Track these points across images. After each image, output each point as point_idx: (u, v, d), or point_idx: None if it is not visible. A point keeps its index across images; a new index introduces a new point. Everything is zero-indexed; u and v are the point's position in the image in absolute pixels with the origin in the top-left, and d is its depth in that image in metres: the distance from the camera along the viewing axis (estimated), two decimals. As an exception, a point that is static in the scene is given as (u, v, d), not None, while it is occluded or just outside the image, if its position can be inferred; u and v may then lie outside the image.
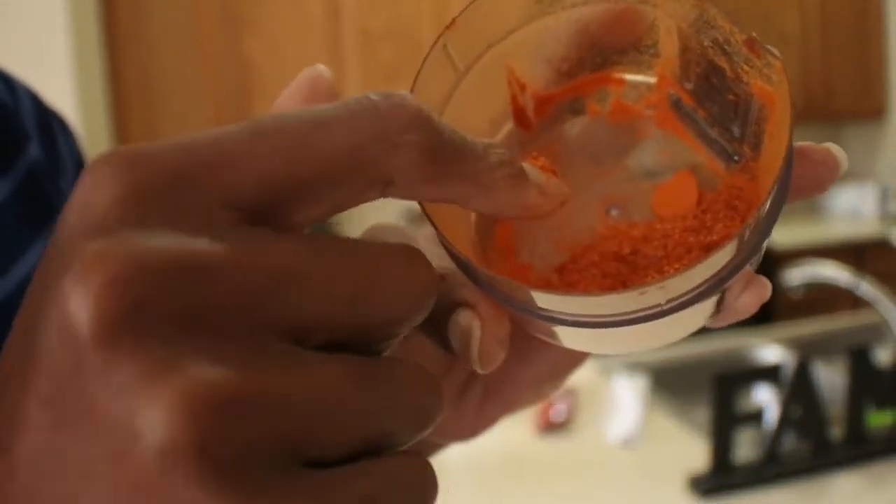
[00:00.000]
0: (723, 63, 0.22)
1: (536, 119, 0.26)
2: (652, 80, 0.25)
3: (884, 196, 3.33)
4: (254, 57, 2.79)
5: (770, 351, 1.66)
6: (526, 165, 0.21)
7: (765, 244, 0.21)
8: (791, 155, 0.20)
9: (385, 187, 0.18)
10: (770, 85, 0.21)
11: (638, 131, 0.25)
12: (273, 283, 0.16)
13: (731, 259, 0.20)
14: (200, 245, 0.15)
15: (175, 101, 2.77)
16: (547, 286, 0.22)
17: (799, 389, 1.09)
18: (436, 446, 0.36)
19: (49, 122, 0.41)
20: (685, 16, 0.22)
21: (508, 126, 0.26)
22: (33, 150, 0.38)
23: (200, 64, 2.77)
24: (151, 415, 0.14)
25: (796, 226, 3.34)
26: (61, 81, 2.33)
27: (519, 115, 0.26)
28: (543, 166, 0.22)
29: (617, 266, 0.24)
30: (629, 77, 0.25)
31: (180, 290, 0.15)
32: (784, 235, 3.05)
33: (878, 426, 1.15)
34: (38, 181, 0.38)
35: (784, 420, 1.09)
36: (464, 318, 0.22)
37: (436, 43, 0.24)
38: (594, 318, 0.20)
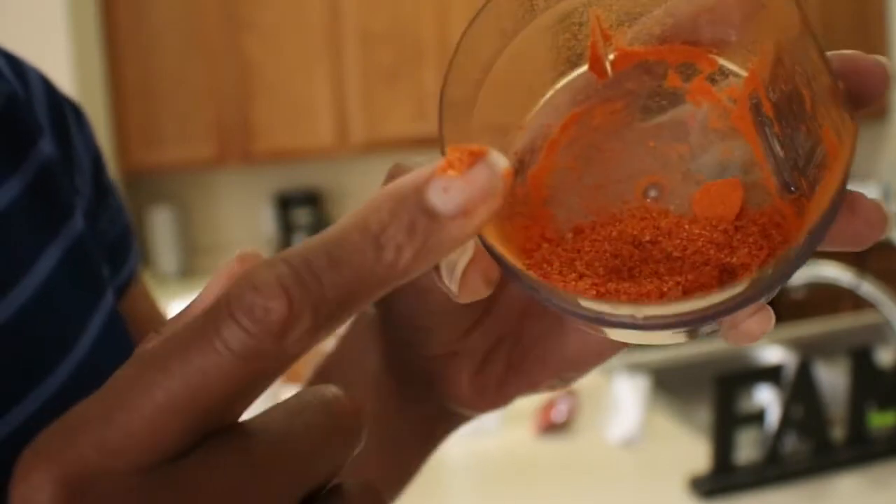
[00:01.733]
0: (806, 92, 0.21)
1: (613, 71, 0.24)
2: (743, 73, 0.23)
3: (885, 196, 3.33)
4: (254, 57, 2.79)
5: (771, 351, 1.65)
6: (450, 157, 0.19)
7: (780, 286, 0.20)
8: (830, 217, 0.19)
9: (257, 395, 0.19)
10: (838, 140, 0.19)
11: (710, 119, 0.24)
12: None
13: (742, 293, 0.19)
14: None
15: (175, 101, 2.77)
16: (569, 289, 0.22)
17: (800, 390, 1.08)
18: (459, 417, 0.35)
19: (62, 112, 0.39)
20: (788, 29, 0.21)
21: (582, 69, 0.24)
22: (46, 146, 0.36)
23: (200, 64, 2.77)
24: None
25: (797, 226, 3.33)
26: (61, 81, 2.32)
27: (595, 62, 0.24)
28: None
29: (630, 250, 0.23)
30: (721, 62, 0.23)
31: None
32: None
33: (880, 427, 1.15)
34: (52, 179, 0.35)
35: (785, 421, 1.08)
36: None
37: None
38: (613, 318, 0.20)
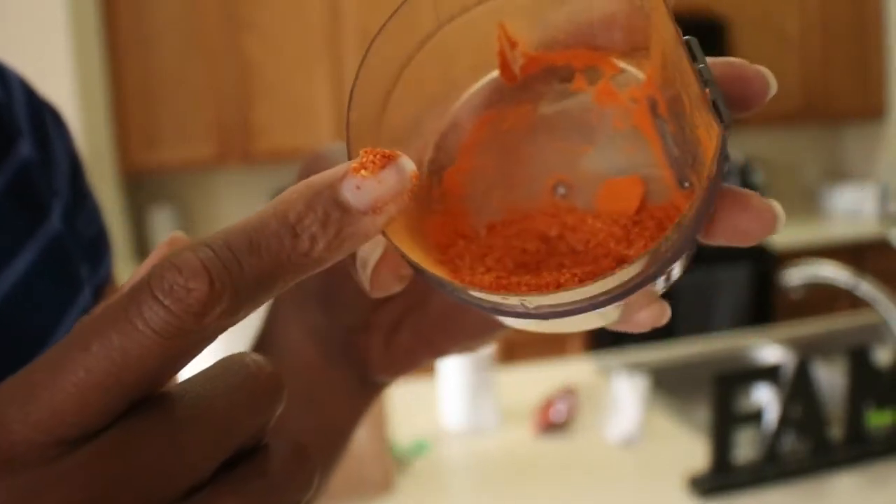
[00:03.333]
0: (685, 99, 0.23)
1: (522, 75, 0.26)
2: (641, 76, 0.25)
3: (883, 196, 3.33)
4: (254, 57, 2.79)
5: (770, 351, 1.66)
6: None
7: (668, 274, 0.22)
8: (702, 208, 0.21)
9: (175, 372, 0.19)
10: (708, 139, 0.21)
11: (613, 120, 0.25)
12: (144, 489, 0.17)
13: (628, 281, 0.21)
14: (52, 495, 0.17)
15: (175, 101, 2.77)
16: (470, 283, 0.23)
17: (799, 389, 1.09)
18: (378, 384, 0.38)
19: (42, 116, 0.40)
20: (668, 40, 0.22)
21: (492, 75, 0.26)
22: (24, 148, 0.36)
23: (200, 64, 2.77)
24: None
25: (796, 226, 3.34)
26: (61, 81, 2.33)
27: (505, 69, 0.26)
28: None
29: (538, 245, 0.24)
30: (623, 65, 0.25)
31: None
32: (784, 235, 3.05)
33: (878, 426, 1.15)
34: (30, 180, 0.36)
35: (784, 420, 1.09)
36: (365, 247, 0.23)
37: None
38: (503, 307, 0.21)
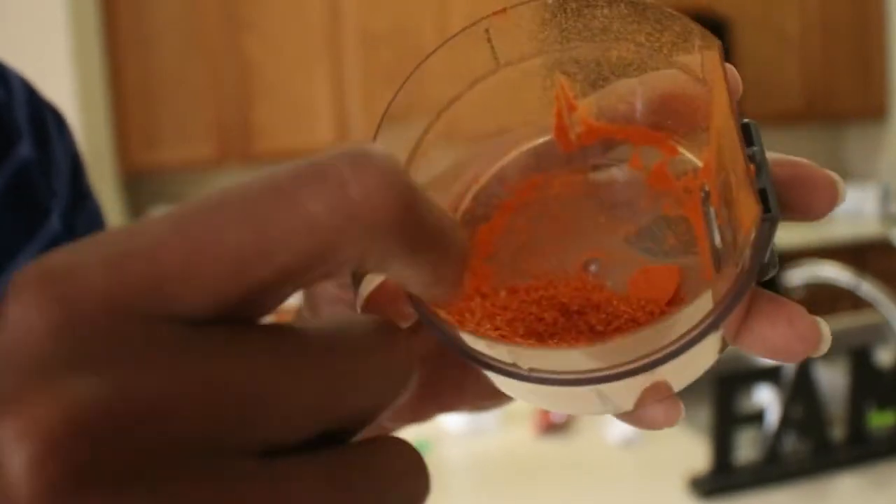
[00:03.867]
0: (732, 180, 0.21)
1: (578, 144, 0.25)
2: (699, 164, 0.24)
3: (885, 196, 3.33)
4: (254, 57, 2.79)
5: (771, 351, 1.65)
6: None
7: (669, 361, 0.20)
8: (730, 302, 0.19)
9: (344, 269, 0.16)
10: (748, 223, 0.20)
11: (663, 205, 0.24)
12: (234, 409, 0.14)
13: (637, 360, 0.19)
14: (146, 381, 0.14)
15: (175, 101, 2.77)
16: (472, 331, 0.22)
17: (800, 390, 1.09)
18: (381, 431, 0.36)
19: (43, 117, 0.40)
20: (724, 114, 0.21)
21: (547, 137, 0.25)
22: (24, 149, 0.36)
23: (200, 64, 2.77)
24: None
25: (797, 226, 3.33)
26: (61, 81, 2.33)
27: (561, 133, 0.25)
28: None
29: (556, 316, 0.23)
30: (681, 150, 0.24)
31: (126, 440, 0.13)
32: (785, 236, 3.05)
33: (880, 426, 1.15)
34: (29, 181, 0.36)
35: (785, 420, 1.09)
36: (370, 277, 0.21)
37: (475, 24, 0.23)
38: (503, 367, 0.20)
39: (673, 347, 0.19)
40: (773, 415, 1.11)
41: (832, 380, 1.43)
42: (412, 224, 0.16)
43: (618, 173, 0.25)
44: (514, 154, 0.25)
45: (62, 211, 0.38)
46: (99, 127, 2.62)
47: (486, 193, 0.25)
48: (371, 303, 0.21)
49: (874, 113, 3.41)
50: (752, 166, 0.19)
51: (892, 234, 2.79)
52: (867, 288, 1.34)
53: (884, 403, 1.15)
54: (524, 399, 0.23)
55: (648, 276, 0.24)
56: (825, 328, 0.20)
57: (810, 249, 2.91)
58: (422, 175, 0.23)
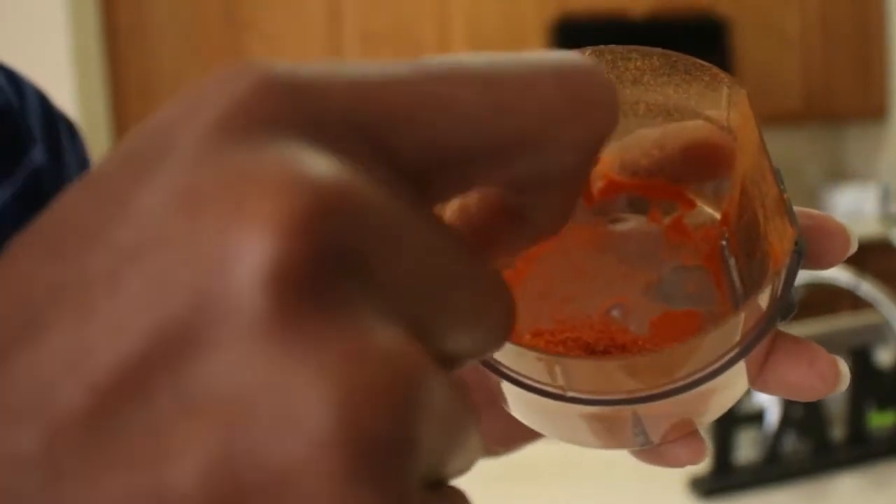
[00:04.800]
0: (759, 215, 0.22)
1: (599, 198, 0.26)
2: (717, 215, 0.25)
3: (885, 196, 3.33)
4: (254, 57, 2.79)
5: (771, 351, 1.65)
6: None
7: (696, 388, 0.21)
8: (764, 328, 0.20)
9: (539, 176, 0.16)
10: (780, 245, 0.20)
11: (682, 256, 0.25)
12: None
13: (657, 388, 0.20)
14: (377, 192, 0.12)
15: (175, 101, 2.77)
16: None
17: (800, 390, 1.08)
18: None
19: (56, 126, 0.40)
20: (751, 156, 0.22)
21: None
22: (37, 155, 0.37)
23: (200, 64, 2.77)
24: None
25: (797, 226, 3.33)
26: (61, 81, 2.33)
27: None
28: None
29: (581, 355, 0.24)
30: (700, 204, 0.25)
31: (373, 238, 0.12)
32: (785, 236, 3.05)
33: (880, 427, 1.15)
34: (41, 187, 0.37)
35: (785, 421, 1.09)
36: None
37: None
38: (526, 380, 0.20)
39: (712, 367, 0.20)
40: (773, 415, 1.11)
41: (832, 380, 1.43)
42: (607, 125, 0.16)
43: (637, 227, 0.26)
44: None
45: None
46: (99, 127, 2.62)
47: None
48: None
49: (874, 113, 3.41)
50: (786, 195, 0.20)
51: (892, 234, 2.79)
52: (867, 288, 1.34)
53: (884, 403, 1.15)
54: (549, 431, 0.24)
55: (670, 320, 0.24)
56: (844, 367, 0.21)
57: (810, 249, 2.91)
58: None
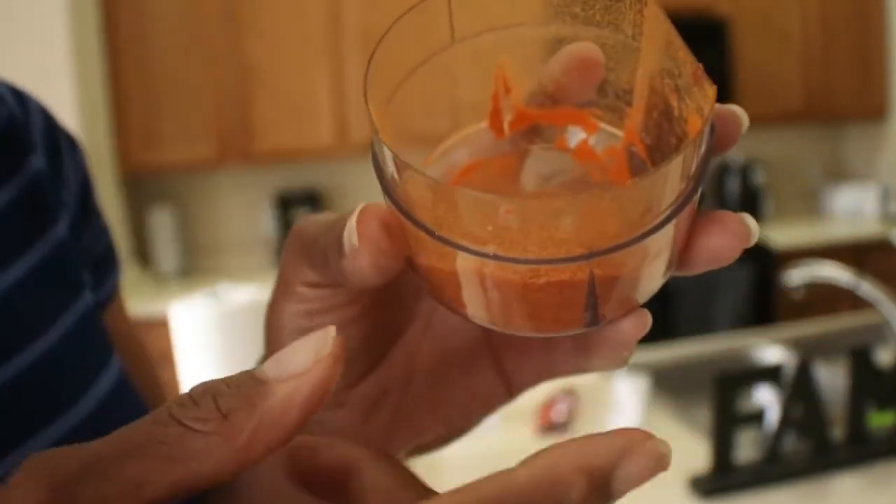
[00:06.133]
0: (674, 101, 0.23)
1: (509, 131, 0.27)
2: (620, 133, 0.26)
3: (885, 196, 3.33)
4: (254, 57, 2.79)
5: (771, 351, 1.65)
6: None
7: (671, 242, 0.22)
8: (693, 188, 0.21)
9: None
10: (700, 118, 0.21)
11: (591, 176, 0.26)
12: None
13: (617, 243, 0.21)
14: None
15: (175, 101, 2.77)
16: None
17: (800, 390, 1.09)
18: None
19: (56, 138, 0.43)
20: (656, 50, 0.22)
21: (481, 125, 0.26)
22: (37, 161, 0.39)
23: (200, 64, 2.77)
24: None
25: (797, 226, 3.33)
26: (61, 82, 2.33)
27: (495, 119, 0.26)
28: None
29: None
30: (603, 125, 0.26)
31: None
32: (785, 235, 3.05)
33: (879, 427, 1.15)
34: (41, 190, 0.39)
35: (785, 420, 1.09)
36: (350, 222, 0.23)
37: None
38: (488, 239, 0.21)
39: (656, 221, 0.21)
40: (773, 415, 1.11)
41: (832, 380, 1.43)
42: None
43: (547, 154, 0.27)
44: (454, 139, 0.27)
45: (69, 221, 0.41)
46: (99, 127, 2.62)
47: (434, 171, 0.27)
48: (362, 231, 0.23)
49: (874, 113, 3.41)
50: (700, 64, 0.21)
51: (891, 234, 2.79)
52: (867, 288, 1.34)
53: (884, 403, 1.15)
54: (497, 318, 0.24)
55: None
56: (752, 221, 0.23)
57: (810, 249, 2.91)
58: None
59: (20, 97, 0.42)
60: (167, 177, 2.98)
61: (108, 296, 0.45)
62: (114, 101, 2.71)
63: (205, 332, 1.22)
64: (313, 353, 0.19)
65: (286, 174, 3.07)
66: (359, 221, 0.23)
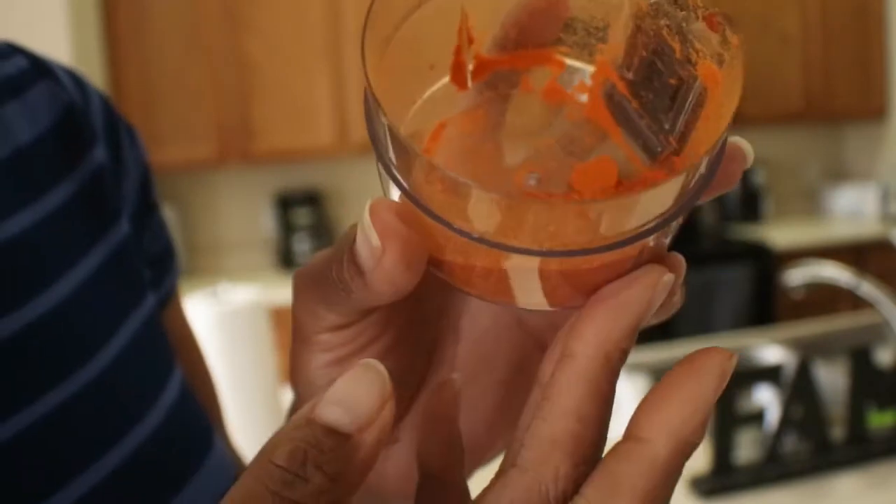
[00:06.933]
0: (675, 43, 0.22)
1: (473, 82, 0.25)
2: (590, 68, 0.25)
3: (885, 196, 3.33)
4: (254, 57, 2.79)
5: (771, 351, 1.65)
6: None
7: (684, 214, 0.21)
8: (720, 150, 0.20)
9: None
10: (720, 65, 0.21)
11: (567, 115, 0.25)
12: None
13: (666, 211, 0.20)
14: None
15: (175, 101, 2.77)
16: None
17: (800, 390, 1.09)
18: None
19: (117, 128, 0.41)
20: None
21: (443, 80, 0.25)
22: (99, 153, 0.38)
23: (200, 64, 2.77)
24: None
25: (797, 226, 3.33)
26: (61, 81, 2.33)
27: (457, 71, 0.25)
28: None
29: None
30: (569, 62, 0.25)
31: None
32: (785, 235, 3.05)
33: (879, 426, 1.15)
34: (102, 183, 0.37)
35: (785, 420, 1.08)
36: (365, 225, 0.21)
37: None
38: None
39: (661, 217, 0.20)
40: (773, 415, 1.11)
41: (832, 380, 1.43)
42: None
43: (515, 100, 0.26)
44: (426, 95, 0.25)
45: (130, 216, 0.40)
46: (99, 127, 2.62)
47: (411, 135, 0.25)
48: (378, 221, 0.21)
49: (874, 113, 3.41)
50: (717, 9, 0.21)
51: (891, 234, 2.79)
52: (867, 288, 1.34)
53: (884, 403, 1.15)
54: (479, 286, 0.23)
55: (587, 171, 0.24)
56: (745, 143, 0.22)
57: (810, 249, 2.91)
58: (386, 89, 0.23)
59: (79, 83, 0.40)
60: (167, 176, 2.98)
61: (167, 296, 0.43)
62: (114, 101, 2.71)
63: (204, 332, 1.22)
64: (379, 395, 0.18)
65: (286, 174, 3.07)
66: (373, 218, 0.20)
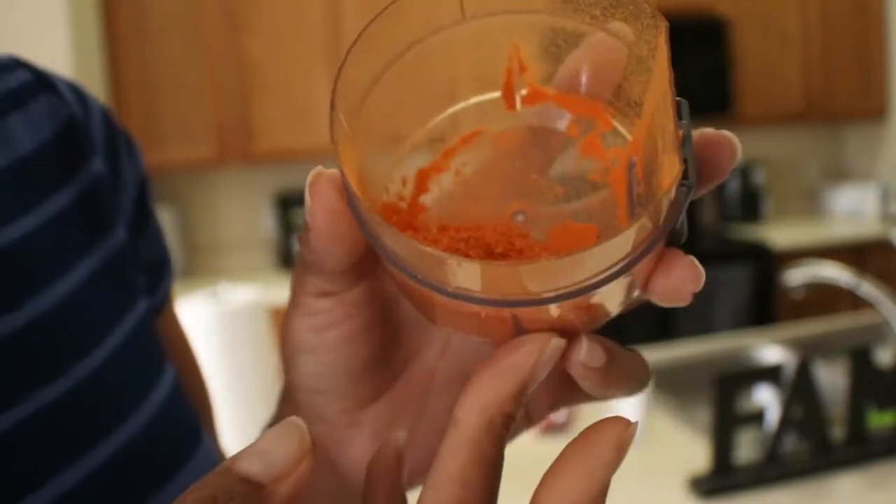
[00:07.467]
0: (659, 146, 0.23)
1: (522, 105, 0.27)
2: (629, 137, 0.26)
3: (885, 196, 3.33)
4: (254, 57, 2.79)
5: (771, 351, 1.66)
6: None
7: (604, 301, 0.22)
8: (634, 259, 0.21)
9: None
10: (669, 181, 0.21)
11: (591, 173, 0.26)
12: None
13: (595, 275, 0.21)
14: None
15: (175, 101, 2.77)
16: (421, 236, 0.23)
17: (800, 390, 1.09)
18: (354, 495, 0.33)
19: (115, 140, 0.43)
20: (660, 88, 0.23)
21: (493, 94, 0.27)
22: (97, 164, 0.40)
23: (200, 64, 2.77)
24: None
25: (797, 226, 3.33)
26: (61, 81, 2.32)
27: (508, 93, 0.26)
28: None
29: (481, 255, 0.25)
30: (616, 124, 0.26)
31: None
32: (785, 235, 3.05)
33: (879, 426, 1.15)
34: (100, 193, 0.39)
35: (785, 420, 1.09)
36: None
37: None
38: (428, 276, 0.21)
39: (596, 279, 0.21)
40: (773, 415, 1.11)
41: (832, 380, 1.43)
42: None
43: (553, 136, 0.27)
44: (462, 104, 0.27)
45: (126, 223, 0.41)
46: (99, 127, 2.62)
47: (432, 137, 0.27)
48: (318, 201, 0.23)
49: (874, 113, 3.41)
50: (680, 132, 0.22)
51: (891, 234, 2.79)
52: (867, 288, 1.34)
53: (884, 403, 1.15)
54: (442, 321, 0.24)
55: (569, 231, 0.25)
56: (698, 265, 0.23)
57: (810, 249, 2.91)
58: (374, 108, 0.24)
59: (81, 96, 0.42)
60: (167, 176, 2.98)
61: (162, 302, 0.45)
62: (114, 101, 2.71)
63: (204, 332, 1.22)
64: (298, 448, 0.20)
65: (286, 174, 3.07)
66: (311, 182, 0.23)
